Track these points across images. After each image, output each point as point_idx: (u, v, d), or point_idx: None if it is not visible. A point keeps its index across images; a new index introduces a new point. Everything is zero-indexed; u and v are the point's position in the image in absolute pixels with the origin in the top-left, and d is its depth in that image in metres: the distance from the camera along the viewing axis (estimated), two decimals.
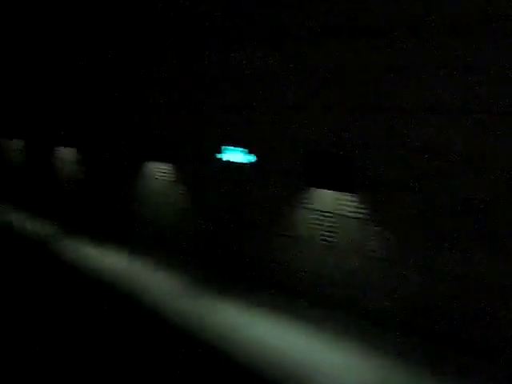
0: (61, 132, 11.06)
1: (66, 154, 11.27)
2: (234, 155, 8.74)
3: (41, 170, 12.37)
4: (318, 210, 8.92)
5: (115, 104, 10.55)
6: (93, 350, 6.77)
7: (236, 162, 8.88)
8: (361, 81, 8.11)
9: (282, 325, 7.85)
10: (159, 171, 9.99)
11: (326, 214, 8.77)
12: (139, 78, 10.60)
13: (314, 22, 8.35)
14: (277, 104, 9.02)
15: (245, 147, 8.97)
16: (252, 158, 8.52)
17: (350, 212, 8.51)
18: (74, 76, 11.64)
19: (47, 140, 11.81)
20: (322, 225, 8.87)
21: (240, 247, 9.51)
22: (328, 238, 8.81)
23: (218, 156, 8.91)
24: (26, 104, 12.50)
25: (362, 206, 8.34)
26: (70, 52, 11.94)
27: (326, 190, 8.74)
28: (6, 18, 12.60)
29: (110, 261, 8.93)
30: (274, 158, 9.07)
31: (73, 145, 11.11)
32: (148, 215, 10.36)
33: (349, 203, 8.51)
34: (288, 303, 8.69)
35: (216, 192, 9.43)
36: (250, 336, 7.37)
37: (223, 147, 8.94)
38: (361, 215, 8.41)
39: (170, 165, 9.81)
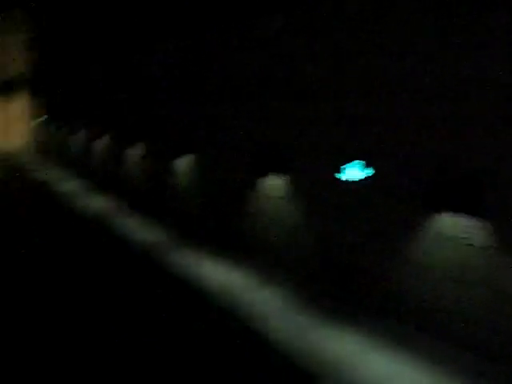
0: (180, 140, 10.88)
1: (183, 162, 10.95)
2: (352, 171, 8.05)
3: (158, 177, 11.90)
4: (440, 236, 7.70)
5: (232, 116, 10.08)
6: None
7: (353, 181, 8.26)
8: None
9: (393, 357, 6.78)
10: (272, 186, 9.46)
11: (449, 240, 7.62)
12: (259, 87, 9.92)
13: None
14: (400, 117, 7.99)
15: (362, 160, 8.22)
16: (369, 172, 7.81)
17: (478, 240, 7.27)
18: (196, 90, 11.13)
19: (166, 148, 11.37)
20: (444, 253, 7.70)
21: (351, 271, 8.39)
22: (450, 268, 7.71)
23: (337, 176, 8.18)
24: (151, 111, 12.21)
25: (494, 233, 7.08)
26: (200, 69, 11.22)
27: (449, 214, 7.47)
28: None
29: (222, 276, 8.46)
30: (391, 176, 7.88)
31: (190, 152, 10.72)
32: (260, 230, 9.76)
33: (476, 230, 7.25)
34: (401, 334, 7.54)
35: (330, 210, 8.68)
36: (357, 368, 6.32)
37: (342, 167, 8.12)
38: (492, 243, 7.14)
39: (283, 180, 9.21)
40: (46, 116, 23.32)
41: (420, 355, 6.81)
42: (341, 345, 6.58)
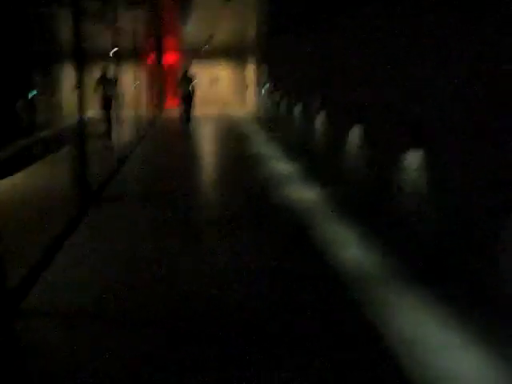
0: (410, 129, 7.53)
1: (413, 158, 7.84)
2: None
3: (379, 172, 9.03)
4: None
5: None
6: None
7: None
8: None
9: None
10: None
11: None
12: None
13: None
14: None
15: None
16: None
17: None
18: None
19: (391, 136, 8.41)
20: None
21: None
22: None
23: None
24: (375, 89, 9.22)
25: None
26: None
27: None
28: None
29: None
30: None
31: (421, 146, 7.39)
32: None
33: None
34: None
35: None
36: None
37: None
38: None
39: None
40: (269, 85, 22.43)
41: None
42: None
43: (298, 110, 15.65)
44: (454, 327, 5.01)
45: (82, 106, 9.65)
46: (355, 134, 10.01)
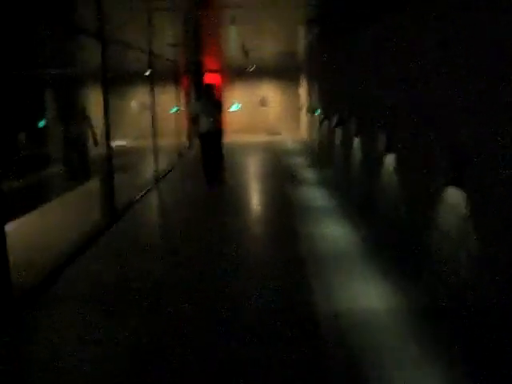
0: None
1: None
2: None
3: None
4: None
5: None
6: None
7: None
8: None
9: None
10: None
11: None
12: None
13: None
14: None
15: None
16: None
17: None
18: None
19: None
20: None
21: None
22: None
23: None
24: None
25: None
26: None
27: None
28: None
29: None
30: None
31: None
32: None
33: None
34: None
35: None
36: None
37: None
38: None
39: None
40: (321, 109, 18.46)
41: None
42: None
43: (356, 145, 11.66)
44: None
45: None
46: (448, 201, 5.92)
